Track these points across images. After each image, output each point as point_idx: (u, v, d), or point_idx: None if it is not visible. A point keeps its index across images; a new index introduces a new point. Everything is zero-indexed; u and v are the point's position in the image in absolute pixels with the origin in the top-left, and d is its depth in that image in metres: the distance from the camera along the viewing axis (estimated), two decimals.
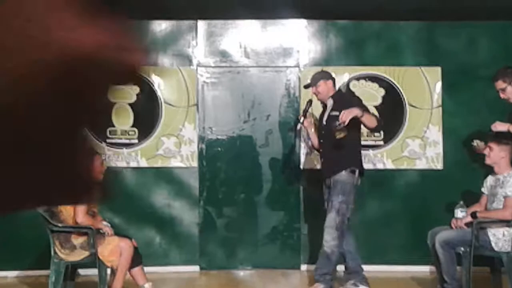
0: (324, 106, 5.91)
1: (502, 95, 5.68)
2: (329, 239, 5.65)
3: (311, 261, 6.87)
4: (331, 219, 5.64)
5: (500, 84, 5.66)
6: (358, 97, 5.88)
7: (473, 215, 5.49)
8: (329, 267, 5.71)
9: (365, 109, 5.55)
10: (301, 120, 5.90)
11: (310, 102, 5.94)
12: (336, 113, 5.55)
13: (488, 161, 5.59)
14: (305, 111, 5.92)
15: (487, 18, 6.81)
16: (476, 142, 5.68)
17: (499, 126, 5.61)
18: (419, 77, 6.96)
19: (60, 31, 0.65)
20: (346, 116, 5.30)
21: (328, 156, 5.74)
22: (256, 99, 6.98)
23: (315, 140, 5.95)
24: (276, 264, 6.88)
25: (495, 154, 5.54)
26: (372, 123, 5.51)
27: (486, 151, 5.58)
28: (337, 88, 6.08)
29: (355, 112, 5.35)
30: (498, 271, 5.69)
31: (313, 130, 5.97)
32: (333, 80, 5.90)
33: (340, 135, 5.39)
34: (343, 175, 5.62)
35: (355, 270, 5.89)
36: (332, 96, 5.79)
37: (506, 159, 5.55)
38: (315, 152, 5.63)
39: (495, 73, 5.73)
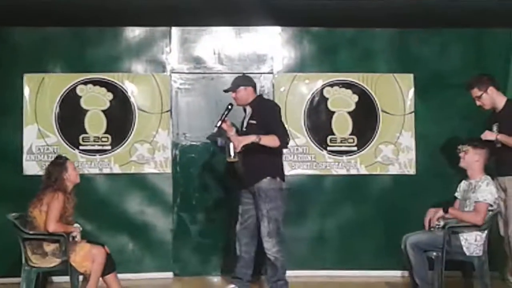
0: (245, 111, 5.96)
1: (478, 102, 5.76)
2: (270, 247, 5.66)
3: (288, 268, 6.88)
4: (265, 227, 5.65)
5: (475, 92, 5.73)
6: (274, 108, 5.88)
7: (445, 209, 5.53)
8: (279, 274, 5.74)
9: (275, 122, 5.66)
10: (218, 125, 5.88)
11: (230, 106, 5.94)
12: (254, 121, 5.71)
13: (462, 163, 5.65)
14: (223, 115, 5.91)
15: (459, 25, 6.89)
16: (461, 148, 5.71)
17: (489, 135, 5.67)
18: (392, 84, 7.02)
19: None
20: (238, 145, 5.48)
21: (249, 163, 5.71)
22: None
23: (237, 143, 5.72)
24: None
25: (469, 157, 5.61)
26: (273, 143, 5.58)
27: (461, 154, 5.64)
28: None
29: (249, 139, 5.50)
30: (470, 275, 5.74)
31: (233, 133, 5.89)
32: (254, 86, 5.92)
33: (231, 160, 5.56)
34: (265, 182, 5.66)
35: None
36: (250, 104, 5.84)
37: (479, 164, 5.62)
38: (232, 157, 5.63)
39: (470, 81, 5.80)
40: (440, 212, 5.56)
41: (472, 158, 5.61)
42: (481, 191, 5.48)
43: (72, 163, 5.56)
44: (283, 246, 5.76)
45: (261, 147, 5.53)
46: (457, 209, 5.60)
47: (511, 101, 5.84)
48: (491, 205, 5.46)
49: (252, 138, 5.53)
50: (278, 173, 5.73)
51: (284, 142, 5.65)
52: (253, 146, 5.53)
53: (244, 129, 5.85)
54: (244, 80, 5.92)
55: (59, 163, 5.49)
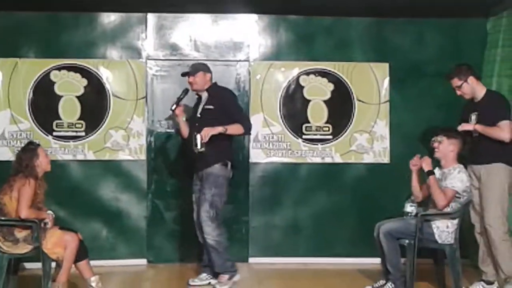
0: (199, 98, 6.07)
1: (458, 92, 5.77)
2: (210, 231, 5.76)
3: (259, 254, 6.92)
4: (205, 211, 5.76)
5: (455, 82, 5.74)
6: (232, 95, 6.04)
7: (430, 173, 5.55)
8: (224, 256, 5.82)
9: (237, 110, 5.85)
10: (173, 108, 6.06)
11: (185, 91, 6.10)
12: (211, 107, 5.85)
13: (437, 154, 5.67)
14: (179, 99, 6.08)
15: (436, 15, 6.91)
16: (436, 139, 5.72)
17: (466, 126, 5.71)
18: (367, 73, 7.04)
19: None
20: (205, 135, 5.63)
21: (214, 147, 5.78)
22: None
23: (184, 130, 6.07)
24: None
25: (444, 147, 5.64)
26: (238, 131, 5.83)
27: (435, 145, 5.66)
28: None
29: (216, 130, 5.66)
30: (441, 263, 5.79)
31: (184, 119, 6.09)
32: (211, 74, 6.05)
33: (198, 151, 5.68)
34: (216, 168, 5.79)
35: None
36: (207, 90, 5.96)
37: (453, 153, 5.65)
38: (199, 148, 5.71)
39: (450, 71, 5.80)
40: (424, 165, 5.58)
41: (446, 149, 5.64)
42: (452, 178, 5.52)
43: (43, 150, 5.50)
44: (223, 230, 5.86)
45: (214, 134, 5.66)
46: (436, 183, 5.58)
47: (491, 91, 5.88)
48: (458, 193, 5.49)
49: (219, 129, 5.68)
50: (228, 160, 5.85)
51: (248, 128, 5.85)
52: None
53: (198, 115, 5.94)
54: (204, 67, 6.05)
55: (30, 149, 5.43)
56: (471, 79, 5.72)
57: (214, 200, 5.76)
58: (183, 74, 6.08)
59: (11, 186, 5.27)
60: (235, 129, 5.78)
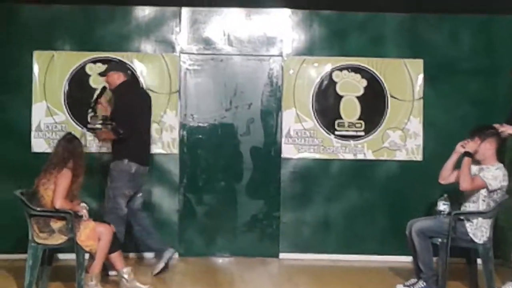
0: None
1: None
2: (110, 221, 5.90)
3: (289, 250, 6.93)
4: (106, 203, 6.04)
5: None
6: (120, 102, 6.06)
7: (468, 154, 5.48)
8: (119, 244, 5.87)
9: (118, 113, 5.97)
10: (92, 105, 6.27)
11: (103, 88, 6.27)
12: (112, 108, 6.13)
13: (477, 157, 5.56)
14: (98, 96, 6.27)
15: (470, 11, 6.84)
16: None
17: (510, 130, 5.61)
18: (401, 69, 6.99)
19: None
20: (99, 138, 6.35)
21: (112, 144, 6.13)
22: (238, 87, 6.98)
23: (98, 136, 6.41)
24: (254, 252, 6.90)
25: (483, 148, 5.53)
26: (109, 137, 6.08)
27: (472, 148, 5.54)
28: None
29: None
30: (474, 262, 5.74)
31: (107, 113, 6.22)
32: (126, 73, 6.22)
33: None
34: (118, 163, 5.98)
35: (160, 248, 6.23)
36: (113, 90, 6.16)
37: (491, 152, 5.55)
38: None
39: None
40: (468, 146, 5.50)
41: (483, 148, 5.55)
42: (488, 171, 5.45)
43: (81, 142, 5.56)
44: (120, 224, 5.95)
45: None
46: (468, 165, 5.50)
47: None
48: (491, 190, 5.42)
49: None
50: (127, 155, 5.97)
51: (117, 133, 5.95)
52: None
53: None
54: (117, 66, 6.31)
55: (69, 140, 5.49)
56: None
57: (113, 193, 6.01)
58: (100, 74, 6.31)
59: (48, 177, 5.32)
60: (105, 134, 6.10)
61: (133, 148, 5.99)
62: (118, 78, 6.12)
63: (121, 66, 6.32)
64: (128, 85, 6.20)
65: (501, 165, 5.53)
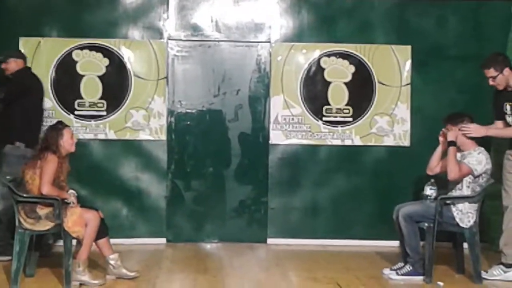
0: None
1: (491, 82, 5.65)
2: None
3: (277, 235, 6.95)
4: None
5: (491, 72, 5.61)
6: (11, 86, 6.15)
7: (452, 144, 5.49)
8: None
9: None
10: None
11: None
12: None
13: (460, 146, 5.58)
14: None
15: None
16: (445, 131, 5.65)
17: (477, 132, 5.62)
18: (389, 55, 7.00)
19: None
20: None
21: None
22: (226, 74, 6.97)
23: None
24: (243, 237, 6.93)
25: (456, 135, 5.56)
26: None
27: (453, 136, 5.56)
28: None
29: None
30: (460, 246, 5.77)
31: None
32: (23, 60, 6.29)
33: None
34: (9, 147, 6.01)
35: None
36: (12, 74, 6.20)
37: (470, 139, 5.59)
38: None
39: (486, 60, 5.67)
40: (448, 135, 5.52)
41: (461, 137, 5.57)
42: (471, 157, 5.48)
43: (70, 131, 5.52)
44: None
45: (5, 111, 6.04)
46: (454, 154, 5.53)
47: None
48: (476, 175, 5.45)
49: None
50: (21, 139, 6.01)
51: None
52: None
53: None
54: (17, 53, 6.34)
55: (57, 128, 5.47)
56: (507, 70, 5.60)
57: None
58: None
59: (35, 164, 5.32)
60: None
61: (27, 130, 6.06)
62: (17, 65, 6.20)
63: (21, 54, 6.37)
64: (26, 70, 6.30)
65: (482, 148, 5.56)
